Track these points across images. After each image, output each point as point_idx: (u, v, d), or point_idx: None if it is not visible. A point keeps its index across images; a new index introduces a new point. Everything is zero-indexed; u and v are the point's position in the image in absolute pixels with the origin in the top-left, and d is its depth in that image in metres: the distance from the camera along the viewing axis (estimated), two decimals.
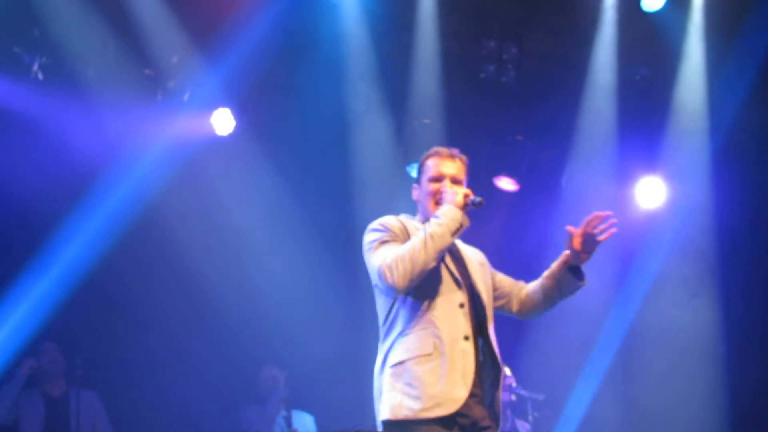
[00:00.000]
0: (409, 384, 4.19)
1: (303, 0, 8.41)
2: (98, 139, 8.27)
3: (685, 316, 9.74)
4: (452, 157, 4.55)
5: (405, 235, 4.38)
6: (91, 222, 8.28)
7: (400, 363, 4.24)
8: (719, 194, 9.51)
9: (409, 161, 9.25)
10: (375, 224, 4.44)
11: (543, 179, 9.80)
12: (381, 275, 4.22)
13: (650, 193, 9.69)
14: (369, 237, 4.41)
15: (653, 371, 9.80)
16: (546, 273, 4.68)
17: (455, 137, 9.10)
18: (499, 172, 9.49)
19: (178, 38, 8.26)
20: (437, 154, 4.57)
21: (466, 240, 4.65)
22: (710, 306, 9.76)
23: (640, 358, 9.88)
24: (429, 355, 4.21)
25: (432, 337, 4.24)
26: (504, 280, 4.72)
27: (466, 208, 4.31)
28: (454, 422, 4.18)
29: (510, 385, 8.06)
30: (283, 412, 8.61)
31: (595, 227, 4.51)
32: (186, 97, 8.49)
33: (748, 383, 9.68)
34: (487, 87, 9.28)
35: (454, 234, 4.23)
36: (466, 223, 4.26)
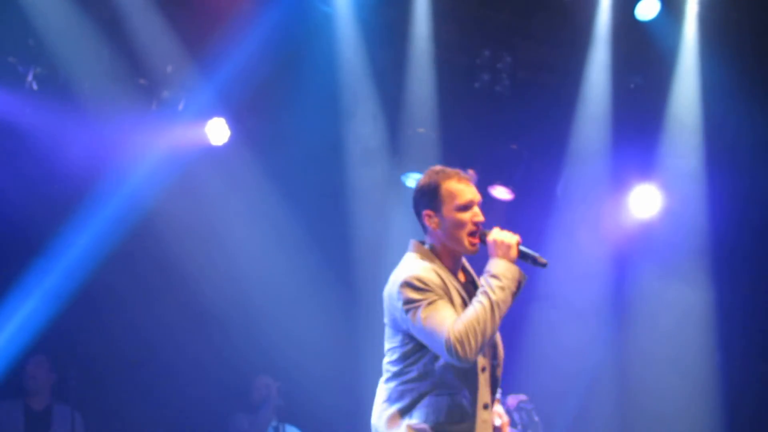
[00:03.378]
0: None
1: (298, 10, 8.41)
2: (93, 149, 8.25)
3: (681, 323, 9.75)
4: (470, 181, 4.23)
5: (446, 293, 4.04)
6: (86, 232, 8.27)
7: (424, 428, 4.00)
8: (714, 202, 9.52)
9: (403, 170, 9.25)
10: (412, 279, 4.00)
11: (538, 188, 9.80)
12: (451, 348, 3.85)
13: (645, 201, 9.70)
14: (410, 294, 3.99)
15: (649, 375, 9.80)
16: None
17: (450, 146, 9.12)
18: (493, 181, 9.48)
19: (172, 48, 8.25)
20: (456, 177, 4.20)
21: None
22: (706, 312, 9.77)
23: (636, 362, 9.89)
24: (458, 423, 4.01)
25: (460, 405, 4.02)
26: None
27: (523, 260, 4.08)
28: None
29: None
30: (274, 422, 8.60)
31: None
32: (180, 106, 8.47)
33: (746, 387, 9.69)
34: (482, 96, 9.29)
35: (515, 295, 3.99)
36: (525, 280, 4.02)
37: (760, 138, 9.27)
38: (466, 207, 4.14)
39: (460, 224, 4.13)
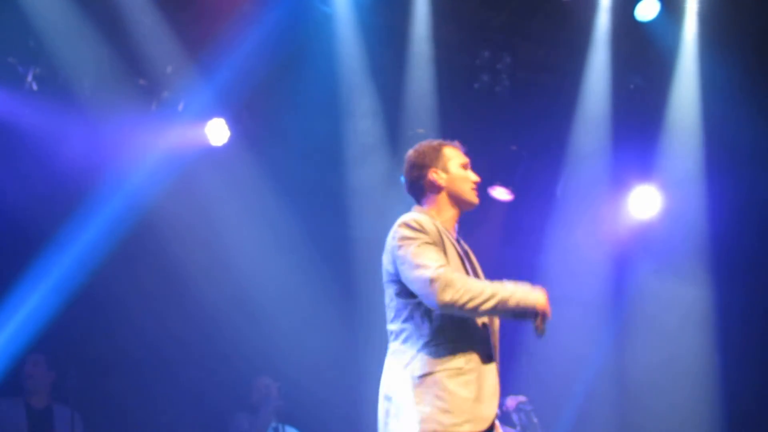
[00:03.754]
0: (438, 397, 4.03)
1: (297, 10, 8.41)
2: (93, 150, 8.26)
3: (681, 323, 9.75)
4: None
5: (441, 244, 4.22)
6: (86, 232, 8.27)
7: (429, 374, 4.06)
8: (713, 203, 9.53)
9: (403, 171, 9.24)
10: (411, 221, 4.24)
11: (537, 189, 9.81)
12: (430, 283, 4.01)
13: (645, 202, 9.70)
14: (406, 232, 4.20)
15: (648, 376, 9.81)
16: None
17: None
18: (493, 182, 9.49)
19: (172, 48, 8.26)
20: (452, 144, 4.62)
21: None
22: (706, 313, 9.78)
23: (634, 363, 9.89)
24: (460, 368, 4.08)
25: (464, 352, 4.11)
26: None
27: (534, 319, 4.16)
28: None
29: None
30: (274, 423, 8.59)
31: None
32: (180, 107, 8.48)
33: (745, 387, 9.68)
34: (481, 97, 9.29)
35: (515, 316, 4.11)
36: (530, 317, 4.13)
37: (759, 138, 9.27)
38: (466, 166, 4.56)
39: (466, 179, 4.49)
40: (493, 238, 9.55)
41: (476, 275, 4.37)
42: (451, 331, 4.13)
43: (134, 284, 8.79)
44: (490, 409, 4.10)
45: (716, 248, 9.71)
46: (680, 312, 9.76)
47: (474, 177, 4.50)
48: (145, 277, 8.84)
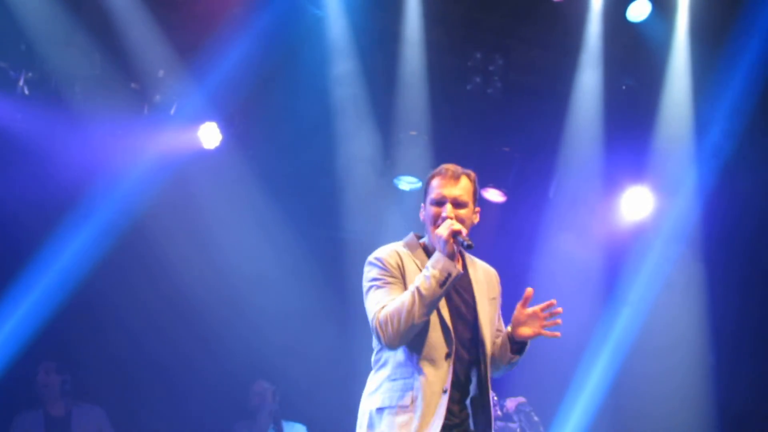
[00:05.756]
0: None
1: (289, 13, 8.40)
2: (85, 154, 8.24)
3: (674, 324, 9.76)
4: (456, 177, 4.38)
5: (401, 275, 4.31)
6: (78, 236, 8.26)
7: (381, 409, 4.23)
8: (706, 203, 9.54)
9: (396, 173, 9.25)
10: (373, 258, 4.37)
11: (530, 190, 9.81)
12: (375, 332, 4.20)
13: (637, 203, 9.70)
14: (367, 274, 4.36)
15: (643, 379, 9.81)
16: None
17: (442, 149, 9.11)
18: (486, 184, 9.49)
19: (164, 52, 8.25)
20: (440, 174, 4.40)
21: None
22: (699, 314, 9.79)
23: (629, 365, 9.89)
24: (405, 407, 4.18)
25: (412, 390, 4.20)
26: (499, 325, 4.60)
27: (457, 247, 4.20)
28: None
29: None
30: (272, 427, 8.58)
31: (545, 316, 4.37)
32: (172, 110, 8.47)
33: (738, 388, 9.70)
34: (474, 98, 9.29)
35: (443, 285, 4.12)
36: (455, 272, 4.14)
37: (752, 137, 9.28)
38: (436, 202, 4.35)
39: (431, 217, 4.34)
40: (486, 240, 9.55)
41: (471, 307, 4.39)
42: (408, 368, 4.24)
43: (127, 288, 8.77)
44: None
45: (709, 248, 9.73)
46: (674, 312, 9.77)
47: (444, 212, 4.30)
48: (138, 281, 8.83)
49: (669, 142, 9.45)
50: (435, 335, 4.24)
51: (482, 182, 9.49)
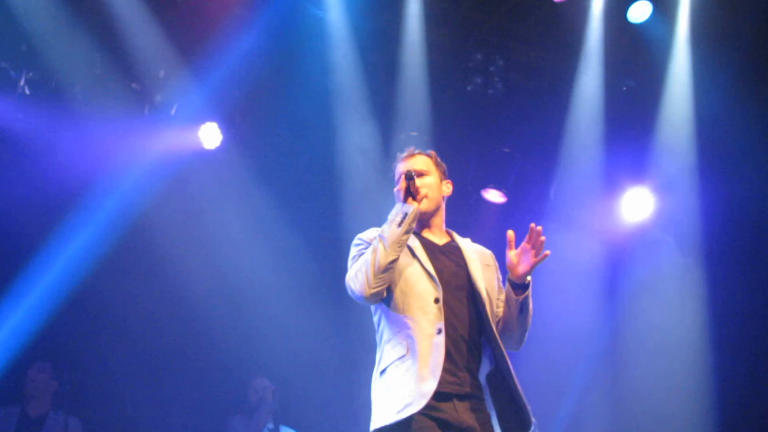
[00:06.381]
0: (388, 389, 4.24)
1: (289, 14, 8.41)
2: (85, 154, 8.25)
3: (673, 326, 9.76)
4: (411, 154, 4.73)
5: None
6: (79, 236, 8.26)
7: (384, 371, 4.30)
8: (707, 204, 9.53)
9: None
10: (356, 238, 4.57)
11: (530, 191, 9.81)
12: (348, 290, 4.35)
13: (638, 204, 9.70)
14: (351, 251, 4.53)
15: (641, 378, 9.82)
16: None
17: (442, 150, 9.09)
18: (486, 185, 9.49)
19: (165, 52, 8.26)
20: (398, 159, 4.76)
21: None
22: (698, 314, 9.79)
23: (628, 365, 9.90)
24: (403, 357, 4.26)
25: (405, 339, 4.29)
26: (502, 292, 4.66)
27: (412, 189, 4.44)
28: (432, 418, 4.18)
29: None
30: (270, 425, 8.58)
31: (533, 243, 4.53)
32: (173, 111, 8.48)
33: (739, 388, 9.71)
34: (474, 99, 9.29)
35: (400, 224, 4.32)
36: (409, 209, 4.35)
37: (752, 140, 9.28)
38: (398, 181, 4.64)
39: (398, 194, 4.58)
40: (486, 240, 9.54)
41: (461, 265, 4.54)
42: (399, 323, 4.33)
43: (127, 288, 8.79)
44: (429, 385, 4.18)
45: (709, 248, 9.72)
46: (674, 312, 9.77)
47: (402, 184, 4.56)
48: (138, 281, 8.84)
49: (669, 142, 9.45)
50: (421, 285, 4.38)
51: (482, 183, 9.54)
